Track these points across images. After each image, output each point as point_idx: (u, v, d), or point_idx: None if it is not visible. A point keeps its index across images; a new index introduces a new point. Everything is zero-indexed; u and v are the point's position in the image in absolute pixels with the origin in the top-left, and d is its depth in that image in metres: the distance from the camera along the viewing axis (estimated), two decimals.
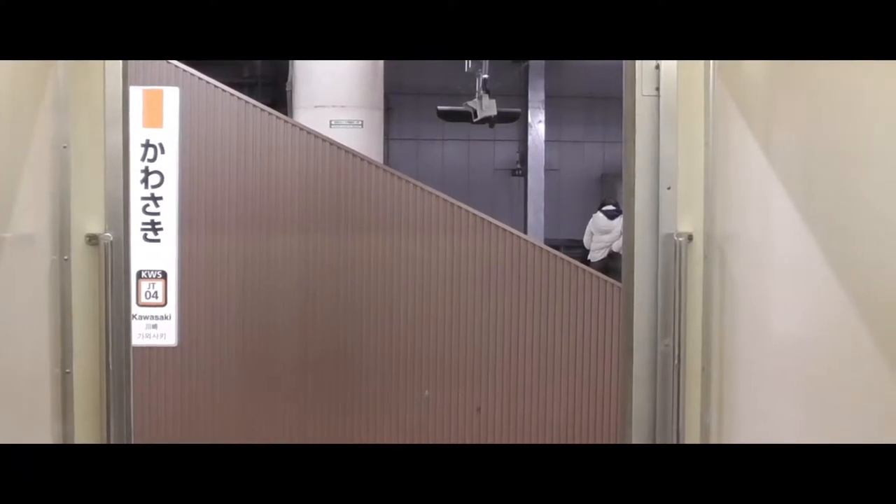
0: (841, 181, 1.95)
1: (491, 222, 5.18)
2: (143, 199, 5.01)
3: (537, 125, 16.76)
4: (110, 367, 2.81)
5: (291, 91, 9.28)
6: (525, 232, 12.06)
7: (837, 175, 1.97)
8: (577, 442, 5.18)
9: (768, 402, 2.40)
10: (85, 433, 2.82)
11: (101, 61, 2.81)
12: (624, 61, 2.94)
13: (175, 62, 5.03)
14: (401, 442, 5.13)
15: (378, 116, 9.08)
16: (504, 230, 5.19)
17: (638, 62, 2.88)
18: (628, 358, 2.95)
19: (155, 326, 5.06)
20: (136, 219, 4.95)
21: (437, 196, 5.17)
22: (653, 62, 2.87)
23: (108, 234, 2.81)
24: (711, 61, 2.76)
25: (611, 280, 5.25)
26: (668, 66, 2.85)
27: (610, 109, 15.00)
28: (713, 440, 2.79)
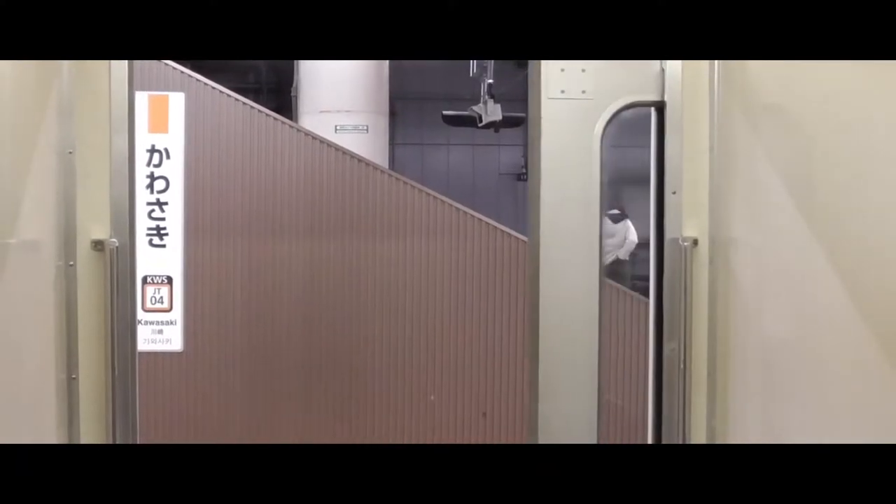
0: (845, 185, 1.94)
1: (496, 227, 5.18)
2: (149, 204, 5.02)
3: None
4: (116, 372, 2.81)
5: (296, 96, 9.29)
6: None
7: (842, 179, 1.96)
8: None
9: (775, 406, 2.39)
10: (91, 438, 2.82)
11: (107, 66, 2.80)
12: (529, 63, 2.92)
13: (181, 68, 5.04)
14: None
15: (383, 121, 9.08)
16: (509, 234, 5.19)
17: (543, 63, 2.85)
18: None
19: (160, 331, 5.07)
20: (142, 224, 4.96)
21: (442, 201, 5.18)
22: (558, 64, 2.85)
23: (113, 239, 2.81)
24: (716, 66, 2.75)
25: (615, 284, 5.25)
26: (673, 71, 2.84)
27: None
28: (719, 443, 2.78)
